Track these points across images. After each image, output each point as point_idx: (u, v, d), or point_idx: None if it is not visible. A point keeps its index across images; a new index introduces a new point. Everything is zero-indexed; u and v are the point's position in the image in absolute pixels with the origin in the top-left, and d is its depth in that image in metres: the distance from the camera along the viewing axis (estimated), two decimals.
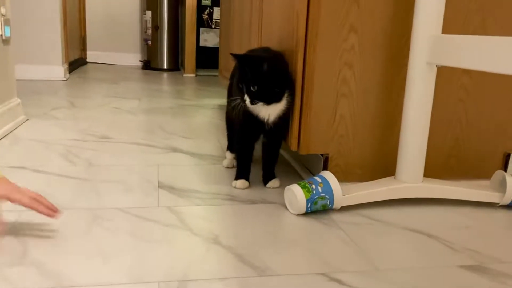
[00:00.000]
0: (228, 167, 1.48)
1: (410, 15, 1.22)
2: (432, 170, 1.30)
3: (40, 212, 0.91)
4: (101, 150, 1.59)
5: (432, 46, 1.09)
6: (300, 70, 1.21)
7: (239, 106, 1.16)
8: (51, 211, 0.93)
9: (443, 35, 1.09)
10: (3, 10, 1.75)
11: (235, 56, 1.15)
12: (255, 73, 1.11)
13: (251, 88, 1.11)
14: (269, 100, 1.14)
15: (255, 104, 1.13)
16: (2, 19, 1.74)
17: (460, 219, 1.13)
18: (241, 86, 1.14)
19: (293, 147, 1.26)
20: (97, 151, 1.57)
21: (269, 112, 1.17)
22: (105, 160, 1.47)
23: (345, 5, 1.18)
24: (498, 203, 1.20)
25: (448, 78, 1.29)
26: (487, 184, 1.27)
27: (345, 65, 1.22)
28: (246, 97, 1.12)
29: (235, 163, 1.48)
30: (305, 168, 1.43)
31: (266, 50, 1.39)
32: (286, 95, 1.17)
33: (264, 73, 1.11)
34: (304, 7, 1.18)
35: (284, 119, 1.21)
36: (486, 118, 1.35)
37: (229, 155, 1.50)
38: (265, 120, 1.19)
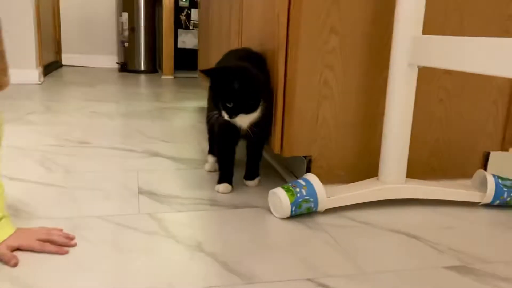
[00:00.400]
0: (210, 171, 1.45)
1: (390, 16, 1.22)
2: (414, 170, 1.30)
3: (52, 253, 0.88)
4: (78, 156, 1.54)
5: (413, 47, 1.09)
6: (282, 72, 1.20)
7: (217, 118, 1.15)
8: (67, 239, 0.91)
9: (424, 36, 1.09)
10: None
11: (205, 72, 1.14)
12: (228, 91, 1.10)
13: (227, 104, 1.10)
14: (247, 111, 1.13)
15: (234, 118, 1.12)
16: None
17: (443, 219, 1.14)
18: (216, 102, 1.12)
19: (276, 149, 1.25)
20: (74, 157, 1.53)
21: (243, 120, 1.16)
22: (83, 167, 1.43)
23: (325, 6, 1.18)
24: (480, 202, 1.21)
25: (428, 78, 1.30)
26: (468, 184, 1.29)
27: (326, 67, 1.21)
28: (224, 113, 1.12)
29: (217, 167, 1.47)
30: (288, 170, 1.42)
31: (246, 51, 1.37)
32: (261, 103, 1.16)
33: (237, 90, 1.10)
34: (284, 8, 1.17)
35: (260, 124, 1.20)
36: (466, 117, 1.36)
37: (210, 159, 1.47)
38: (241, 127, 1.18)
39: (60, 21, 4.29)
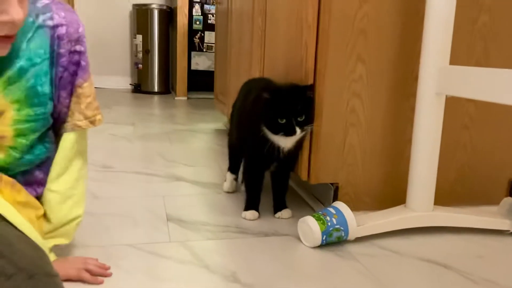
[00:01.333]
0: (228, 191, 1.47)
1: (416, 45, 1.23)
2: (438, 196, 1.30)
3: (89, 283, 0.88)
4: (103, 181, 1.56)
5: (440, 77, 1.10)
6: None
7: (264, 139, 1.16)
8: (102, 269, 0.91)
9: (451, 66, 1.10)
10: None
11: (271, 91, 1.13)
12: (299, 105, 1.11)
13: (299, 119, 1.11)
14: (311, 122, 1.17)
15: (305, 131, 1.14)
16: None
17: (473, 248, 1.13)
18: (282, 120, 1.11)
19: (303, 176, 1.25)
20: (100, 182, 1.54)
21: (287, 140, 1.16)
22: (110, 192, 1.44)
23: (352, 35, 1.20)
24: (509, 230, 1.21)
25: (453, 105, 1.31)
26: (494, 211, 1.28)
27: (353, 95, 1.23)
28: (297, 129, 1.10)
29: (235, 185, 1.50)
30: (314, 197, 1.42)
31: (266, 81, 1.38)
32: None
33: (309, 99, 1.15)
34: (313, 38, 1.19)
35: (298, 147, 1.21)
36: (491, 144, 1.36)
37: (229, 176, 1.49)
38: (282, 148, 1.18)
39: None
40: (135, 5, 4.16)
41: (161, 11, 4.09)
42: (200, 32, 3.92)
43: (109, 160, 1.84)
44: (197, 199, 1.42)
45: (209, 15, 3.89)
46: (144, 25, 4.10)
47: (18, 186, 0.80)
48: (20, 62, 0.75)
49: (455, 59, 1.21)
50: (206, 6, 3.88)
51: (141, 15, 4.10)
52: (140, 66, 4.18)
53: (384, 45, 1.22)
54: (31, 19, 0.76)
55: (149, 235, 1.13)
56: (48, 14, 0.78)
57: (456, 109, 1.32)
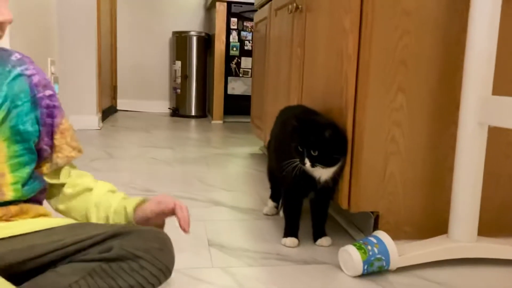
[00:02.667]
0: (267, 214, 1.53)
1: (457, 74, 1.24)
2: (481, 227, 1.28)
3: (181, 222, 0.94)
4: None
5: (483, 107, 1.10)
6: (350, 129, 1.23)
7: (295, 167, 1.18)
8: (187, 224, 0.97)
9: (494, 96, 1.10)
10: (53, 69, 1.83)
11: (298, 119, 1.18)
12: (317, 139, 1.15)
13: (312, 152, 1.14)
14: (328, 164, 1.17)
15: (315, 167, 1.15)
16: (52, 77, 1.82)
17: None
18: (301, 149, 1.16)
19: (344, 205, 1.26)
20: None
21: (322, 172, 1.19)
22: None
23: (393, 66, 1.21)
24: None
25: (495, 134, 1.29)
26: None
27: (393, 124, 1.24)
28: (307, 161, 1.15)
29: (275, 211, 1.54)
30: (353, 225, 1.42)
31: (304, 109, 1.41)
32: (341, 159, 1.20)
33: (326, 139, 1.15)
34: (353, 68, 1.21)
35: (335, 179, 1.22)
36: None
37: (270, 203, 1.55)
38: (317, 179, 1.20)
39: (117, 68, 4.54)
40: (174, 33, 4.31)
41: (199, 38, 4.22)
42: (236, 58, 4.01)
43: (150, 183, 1.90)
44: (237, 224, 1.44)
45: (245, 41, 3.98)
46: (183, 51, 4.23)
47: (31, 204, 0.91)
48: (6, 105, 0.85)
49: (498, 88, 1.21)
50: (243, 33, 3.97)
51: (180, 42, 4.23)
52: (179, 90, 4.30)
53: (424, 74, 1.23)
54: (7, 68, 0.87)
55: (192, 260, 1.15)
56: (25, 66, 0.90)
57: (499, 138, 1.30)
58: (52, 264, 0.76)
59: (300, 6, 1.61)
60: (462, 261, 1.18)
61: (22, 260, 0.75)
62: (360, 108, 1.22)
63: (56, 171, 0.98)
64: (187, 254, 1.19)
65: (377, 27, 1.19)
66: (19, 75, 0.88)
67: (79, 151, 1.01)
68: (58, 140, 0.96)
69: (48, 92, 0.93)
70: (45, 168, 0.97)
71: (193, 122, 4.14)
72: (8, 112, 0.85)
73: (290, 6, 1.68)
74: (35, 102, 0.90)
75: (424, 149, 1.27)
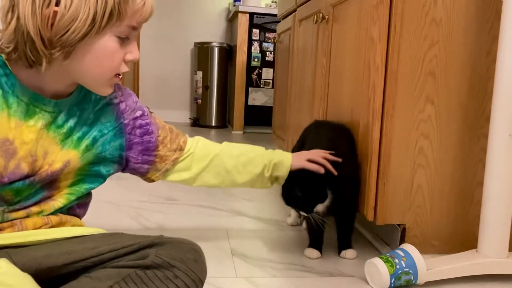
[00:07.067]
0: (292, 225, 1.53)
1: (487, 86, 1.22)
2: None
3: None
4: (168, 213, 1.61)
5: None
6: (377, 140, 1.21)
7: None
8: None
9: None
10: None
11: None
12: (293, 196, 1.19)
13: (296, 208, 1.22)
14: (316, 204, 1.18)
15: (310, 213, 1.18)
16: None
17: None
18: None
19: (369, 217, 1.24)
20: (165, 214, 1.60)
21: (319, 207, 1.19)
22: (175, 224, 1.49)
23: (421, 76, 1.20)
24: None
25: None
26: None
27: (421, 135, 1.22)
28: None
29: (299, 221, 1.53)
30: (379, 238, 1.40)
31: (329, 125, 1.41)
32: (329, 194, 1.18)
33: (300, 197, 1.17)
34: (381, 79, 1.20)
35: (337, 205, 1.21)
36: None
37: (293, 213, 1.55)
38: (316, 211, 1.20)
39: (139, 77, 4.59)
40: (196, 43, 4.35)
41: (221, 49, 4.25)
42: (258, 69, 4.02)
43: (173, 193, 1.90)
44: (260, 234, 1.43)
45: (267, 52, 3.99)
46: (205, 62, 4.26)
47: (71, 217, 0.94)
48: (94, 133, 0.89)
49: None
50: (264, 44, 3.98)
51: (202, 52, 4.27)
52: (199, 101, 4.33)
53: (453, 85, 1.22)
54: (98, 96, 0.90)
55: (216, 269, 1.15)
56: (114, 94, 0.93)
57: None
58: (85, 270, 0.76)
59: (326, 16, 1.61)
60: (492, 277, 1.15)
61: (58, 265, 0.75)
62: (387, 119, 1.20)
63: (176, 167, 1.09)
64: (210, 264, 1.17)
65: (406, 37, 1.18)
66: (107, 104, 0.92)
67: (181, 149, 1.09)
68: (161, 150, 1.03)
69: (138, 113, 0.98)
70: (155, 177, 1.06)
71: (213, 132, 4.15)
72: (94, 140, 0.89)
73: (315, 17, 1.68)
74: (120, 130, 0.94)
75: (453, 162, 1.24)
